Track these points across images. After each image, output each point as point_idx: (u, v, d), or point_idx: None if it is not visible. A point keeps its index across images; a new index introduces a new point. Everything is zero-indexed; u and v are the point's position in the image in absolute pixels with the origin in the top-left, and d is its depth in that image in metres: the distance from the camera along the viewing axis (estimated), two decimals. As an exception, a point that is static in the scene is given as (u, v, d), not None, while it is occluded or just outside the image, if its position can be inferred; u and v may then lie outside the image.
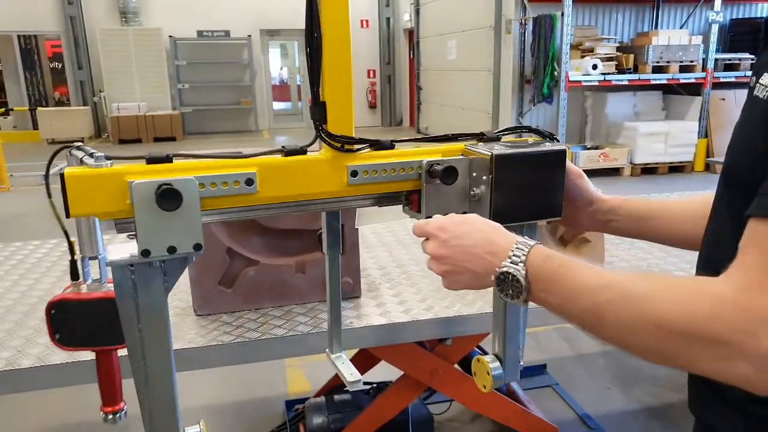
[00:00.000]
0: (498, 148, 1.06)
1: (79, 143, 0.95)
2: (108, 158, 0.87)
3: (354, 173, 1.05)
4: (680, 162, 8.24)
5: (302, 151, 1.02)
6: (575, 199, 1.11)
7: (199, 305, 1.79)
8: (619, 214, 1.11)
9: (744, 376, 0.56)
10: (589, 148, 8.40)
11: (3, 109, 10.80)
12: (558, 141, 1.12)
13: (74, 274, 1.09)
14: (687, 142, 8.13)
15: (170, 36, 13.47)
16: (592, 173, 8.03)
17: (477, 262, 0.81)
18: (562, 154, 1.06)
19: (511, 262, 0.77)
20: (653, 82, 8.22)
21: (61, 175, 0.83)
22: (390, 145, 1.11)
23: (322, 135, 1.03)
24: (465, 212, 1.10)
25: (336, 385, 2.64)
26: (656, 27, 9.04)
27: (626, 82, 8.13)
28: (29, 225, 6.18)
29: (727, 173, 0.76)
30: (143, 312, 0.92)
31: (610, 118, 8.74)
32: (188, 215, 0.89)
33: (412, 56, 14.38)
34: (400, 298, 1.90)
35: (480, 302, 1.85)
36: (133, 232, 0.89)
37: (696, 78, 8.23)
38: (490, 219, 1.03)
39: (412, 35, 14.08)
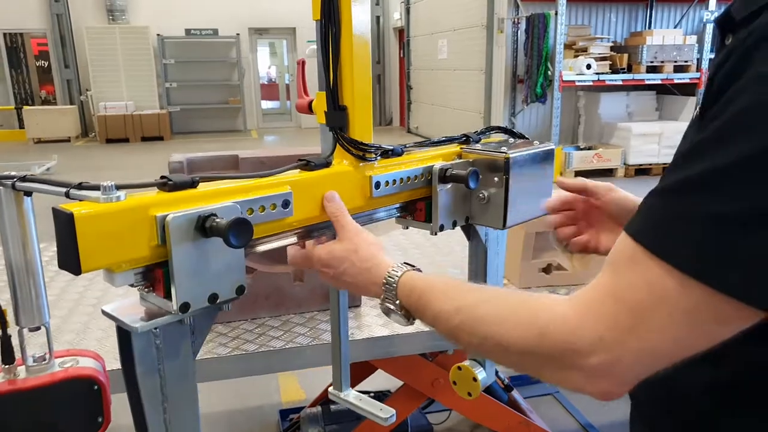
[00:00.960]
0: (505, 149, 1.05)
1: (24, 172, 0.77)
2: (119, 187, 0.69)
3: (377, 185, 0.97)
4: (673, 162, 8.21)
5: (327, 163, 0.92)
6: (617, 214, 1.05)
7: (192, 316, 1.70)
8: None
9: (578, 385, 0.61)
10: (582, 149, 8.35)
11: (-13, 108, 10.56)
12: (528, 138, 1.17)
13: (7, 355, 0.80)
14: (680, 143, 8.10)
15: (158, 34, 13.29)
16: (585, 174, 8.04)
17: (365, 290, 0.87)
18: (552, 152, 1.13)
19: (386, 299, 0.82)
20: (647, 82, 8.19)
21: (68, 217, 0.64)
22: (401, 152, 1.03)
23: (344, 143, 0.94)
24: (467, 216, 1.11)
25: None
26: (650, 27, 9.01)
27: (620, 82, 8.09)
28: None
29: None
30: (170, 385, 0.76)
31: (603, 119, 8.70)
32: (232, 251, 0.74)
33: (402, 55, 14.29)
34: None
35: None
36: (145, 284, 0.73)
37: (690, 78, 8.21)
38: (503, 220, 1.05)
39: (402, 34, 14.00)
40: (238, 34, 13.87)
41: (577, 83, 8.05)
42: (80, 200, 0.69)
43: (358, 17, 0.89)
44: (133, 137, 12.64)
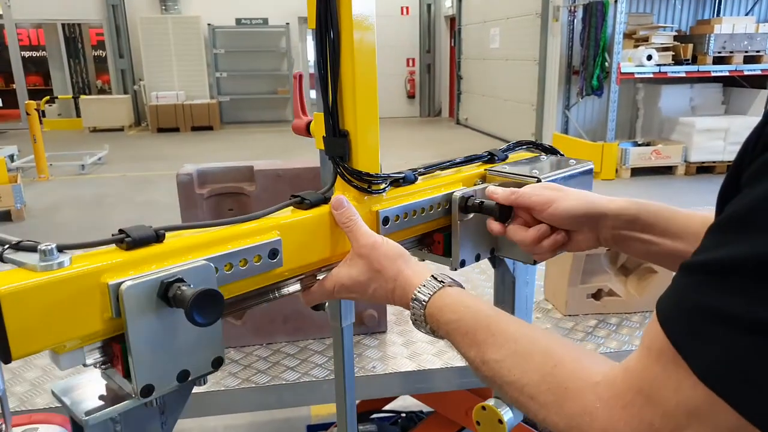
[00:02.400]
0: (537, 172, 0.91)
1: None
2: (63, 248, 0.57)
3: (386, 220, 0.82)
4: (740, 160, 7.65)
5: (325, 199, 0.78)
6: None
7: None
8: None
9: None
10: (640, 145, 7.91)
11: (48, 97, 10.91)
12: (562, 155, 1.04)
13: None
14: (749, 139, 7.53)
15: (209, 24, 13.43)
16: (642, 171, 7.62)
17: (399, 306, 0.78)
18: (591, 171, 0.99)
19: (416, 321, 0.74)
20: (714, 74, 7.64)
21: None
22: (414, 178, 0.87)
23: (346, 174, 0.79)
24: (493, 249, 0.97)
25: (361, 412, 2.41)
26: (719, 14, 8.43)
27: (683, 74, 7.58)
28: (65, 216, 6.17)
29: None
30: None
31: (664, 113, 8.21)
32: None
33: (453, 44, 13.98)
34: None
35: (527, 345, 1.58)
36: (102, 359, 0.60)
37: (762, 70, 7.59)
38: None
39: (453, 23, 13.68)
40: (287, 24, 13.87)
41: (636, 75, 7.59)
42: (17, 265, 0.57)
43: (362, 22, 0.73)
44: (183, 127, 12.85)
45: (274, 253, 0.70)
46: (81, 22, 14.16)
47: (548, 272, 1.88)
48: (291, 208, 0.77)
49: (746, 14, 8.48)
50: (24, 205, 5.93)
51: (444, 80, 15.00)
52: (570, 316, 1.78)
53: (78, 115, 13.18)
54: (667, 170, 7.73)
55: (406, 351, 1.57)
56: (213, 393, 1.40)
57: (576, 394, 0.56)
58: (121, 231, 0.62)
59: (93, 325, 0.58)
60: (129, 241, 0.60)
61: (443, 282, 0.73)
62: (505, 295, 1.11)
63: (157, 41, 13.12)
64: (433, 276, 0.73)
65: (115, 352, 0.60)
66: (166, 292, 0.58)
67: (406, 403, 2.36)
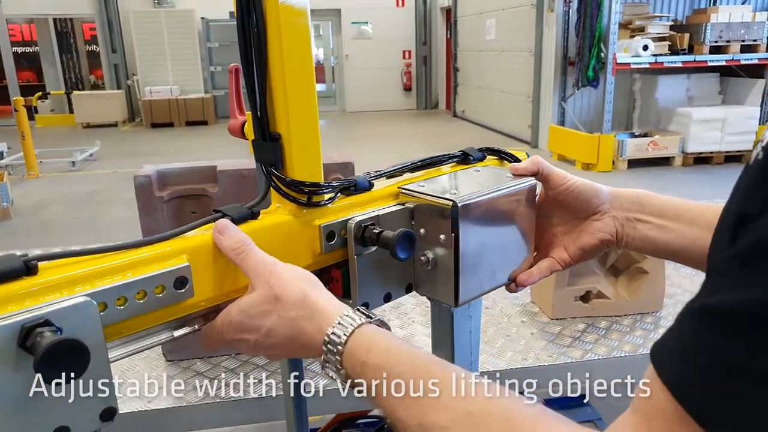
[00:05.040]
0: (455, 192, 0.74)
1: None
2: None
3: (330, 236, 0.72)
4: (738, 151, 7.57)
5: (253, 214, 0.67)
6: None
7: (169, 349, 1.51)
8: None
9: None
10: (636, 136, 7.83)
11: (40, 93, 10.78)
12: (519, 160, 0.91)
13: None
14: (746, 130, 7.45)
15: (202, 17, 13.29)
16: (639, 163, 7.54)
17: (302, 353, 0.62)
18: (534, 189, 0.82)
19: (326, 363, 0.59)
20: (711, 63, 7.54)
21: None
22: (368, 185, 0.77)
23: (279, 184, 0.70)
24: (410, 284, 0.80)
25: (343, 419, 2.35)
26: (715, 3, 8.32)
27: (680, 64, 7.48)
28: (53, 214, 6.08)
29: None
30: None
31: (661, 103, 8.11)
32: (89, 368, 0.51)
33: (449, 36, 13.86)
34: (413, 342, 1.58)
35: (510, 352, 1.51)
36: None
37: (759, 59, 7.49)
38: (454, 293, 0.75)
39: (449, 14, 13.55)
40: (281, 17, 13.74)
41: (632, 66, 7.48)
42: None
43: (293, 5, 0.63)
44: (177, 122, 12.73)
45: (182, 281, 0.60)
46: (73, 16, 14.02)
47: (534, 273, 1.81)
48: (208, 226, 0.66)
49: (743, 3, 8.35)
50: (11, 204, 5.83)
51: (440, 72, 14.89)
52: (557, 319, 1.71)
53: (71, 110, 13.07)
54: (664, 161, 7.65)
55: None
56: (173, 409, 1.33)
57: None
58: None
59: None
60: None
61: (370, 317, 0.59)
62: (442, 333, 0.92)
63: (151, 35, 12.97)
64: (357, 308, 0.60)
65: None
66: (24, 341, 0.47)
67: (392, 406, 2.29)
